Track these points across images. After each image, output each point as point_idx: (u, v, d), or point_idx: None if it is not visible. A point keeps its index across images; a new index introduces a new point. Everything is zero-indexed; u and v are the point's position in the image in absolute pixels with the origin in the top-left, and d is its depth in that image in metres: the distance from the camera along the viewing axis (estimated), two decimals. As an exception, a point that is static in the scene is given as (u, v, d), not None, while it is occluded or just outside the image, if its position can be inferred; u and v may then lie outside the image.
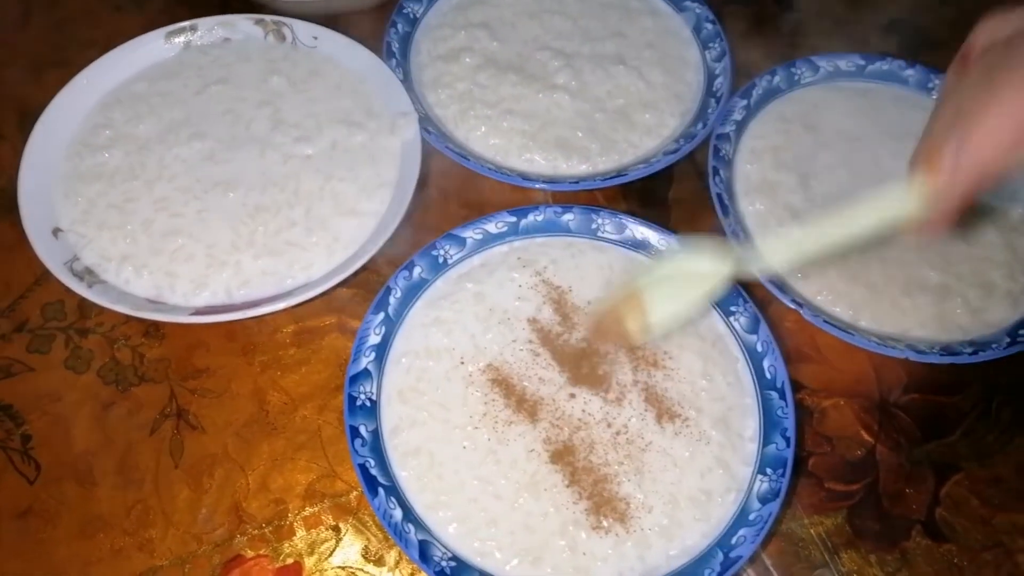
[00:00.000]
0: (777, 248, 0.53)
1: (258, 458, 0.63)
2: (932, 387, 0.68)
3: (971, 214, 0.72)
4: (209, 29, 0.75)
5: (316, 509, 0.61)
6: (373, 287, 0.70)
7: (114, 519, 0.60)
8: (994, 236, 0.71)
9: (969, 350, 0.64)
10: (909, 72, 0.80)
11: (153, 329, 0.68)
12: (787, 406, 0.60)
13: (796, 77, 0.78)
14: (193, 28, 0.75)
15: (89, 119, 0.70)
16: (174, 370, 0.66)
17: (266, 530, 0.60)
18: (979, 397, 0.68)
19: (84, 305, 0.68)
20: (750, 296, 0.65)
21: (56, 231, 0.65)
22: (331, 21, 0.77)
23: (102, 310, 0.61)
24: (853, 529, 0.62)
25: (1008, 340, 0.65)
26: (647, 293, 0.57)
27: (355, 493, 0.62)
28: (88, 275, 0.63)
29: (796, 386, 0.65)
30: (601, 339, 0.62)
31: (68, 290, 0.61)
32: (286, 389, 0.66)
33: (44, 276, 0.66)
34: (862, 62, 0.80)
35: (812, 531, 0.62)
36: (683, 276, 0.57)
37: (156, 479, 0.62)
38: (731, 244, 0.64)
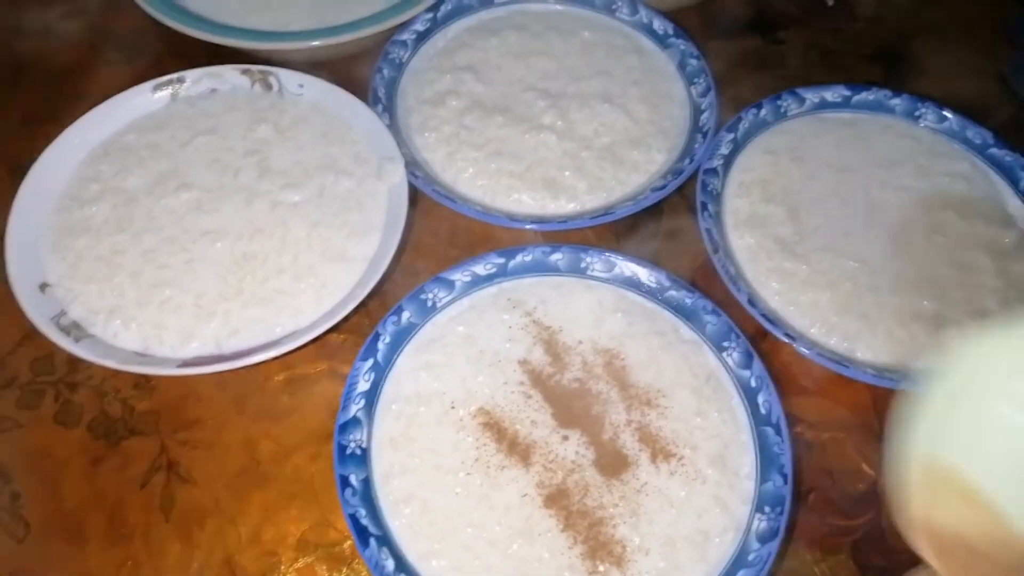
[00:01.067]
0: None
1: (250, 509, 0.62)
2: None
3: (963, 241, 0.72)
4: (196, 80, 0.76)
5: (310, 560, 0.60)
6: (364, 332, 0.70)
7: (104, 576, 0.59)
8: (986, 263, 0.71)
9: (967, 379, 0.63)
10: (895, 101, 0.80)
11: (143, 381, 0.67)
12: (783, 442, 0.59)
13: (782, 109, 0.79)
14: (180, 80, 0.76)
15: (78, 173, 0.71)
16: (164, 422, 0.66)
17: (258, 584, 0.59)
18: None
19: (73, 359, 0.67)
20: (742, 331, 0.64)
21: (43, 286, 0.64)
22: (317, 68, 0.78)
23: (92, 363, 0.61)
24: (857, 565, 0.61)
25: (1006, 368, 0.64)
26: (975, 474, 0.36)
27: (349, 543, 0.61)
28: (75, 329, 0.62)
29: (794, 420, 0.64)
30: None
31: (56, 344, 0.61)
32: (277, 438, 0.65)
33: (33, 331, 0.65)
34: (848, 92, 0.80)
35: (815, 568, 0.61)
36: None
37: (147, 534, 0.61)
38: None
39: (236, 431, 0.65)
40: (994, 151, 0.77)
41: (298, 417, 0.66)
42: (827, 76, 0.87)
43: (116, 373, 0.67)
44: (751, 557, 0.55)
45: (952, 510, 0.35)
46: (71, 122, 0.73)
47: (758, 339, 0.67)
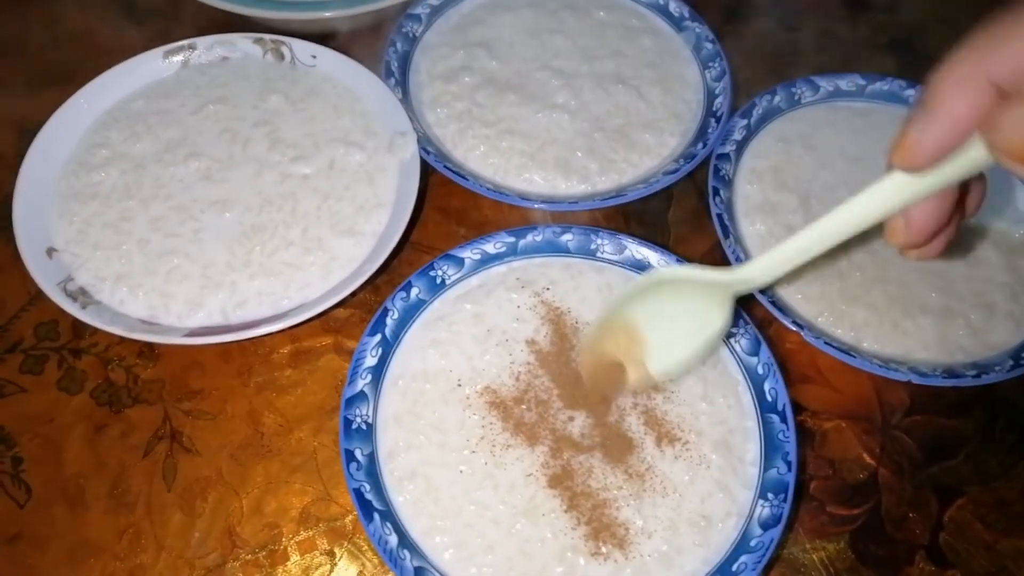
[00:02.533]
0: (768, 263, 0.48)
1: (252, 481, 0.62)
2: (935, 409, 0.68)
3: (972, 235, 0.72)
4: (208, 48, 0.75)
5: (311, 533, 0.60)
6: (370, 307, 0.69)
7: (105, 544, 0.59)
8: (995, 257, 0.71)
9: (972, 372, 0.63)
10: (909, 92, 0.79)
11: (147, 350, 0.67)
12: (788, 430, 0.59)
13: (796, 97, 0.78)
14: (192, 47, 0.75)
15: (86, 138, 0.70)
16: (168, 391, 0.66)
17: (259, 555, 0.59)
18: (982, 420, 0.67)
19: (78, 325, 0.67)
20: (751, 317, 0.64)
21: (51, 251, 0.64)
22: (330, 40, 0.77)
23: (96, 330, 0.61)
24: (856, 554, 0.61)
25: (1011, 363, 0.64)
26: (644, 329, 0.55)
27: (350, 517, 0.61)
28: (82, 295, 0.62)
29: (797, 408, 0.65)
30: (596, 387, 0.60)
31: (62, 310, 0.61)
32: (281, 411, 0.65)
33: (38, 296, 0.65)
34: (862, 82, 0.79)
35: (814, 556, 0.61)
36: (682, 305, 0.53)
37: (149, 503, 0.61)
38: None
39: (240, 403, 0.65)
40: (1006, 146, 0.77)
41: (302, 391, 0.66)
42: (840, 65, 0.86)
43: (120, 341, 0.67)
44: (753, 543, 0.55)
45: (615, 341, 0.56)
46: (78, 86, 0.72)
47: (764, 326, 0.67)
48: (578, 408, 0.60)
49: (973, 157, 0.38)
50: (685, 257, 0.67)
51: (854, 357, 0.63)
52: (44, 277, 0.61)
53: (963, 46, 0.36)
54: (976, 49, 0.35)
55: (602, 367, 0.58)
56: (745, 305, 0.65)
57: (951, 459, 0.66)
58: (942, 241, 0.46)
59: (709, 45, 0.81)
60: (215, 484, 0.62)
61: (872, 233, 0.69)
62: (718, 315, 0.53)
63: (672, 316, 0.54)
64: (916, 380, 0.62)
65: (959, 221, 0.46)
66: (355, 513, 0.59)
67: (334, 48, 0.76)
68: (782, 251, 0.47)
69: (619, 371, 0.57)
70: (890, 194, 0.42)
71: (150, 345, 0.67)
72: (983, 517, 0.63)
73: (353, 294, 0.63)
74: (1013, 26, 0.35)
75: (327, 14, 0.77)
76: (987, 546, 0.62)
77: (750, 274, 0.50)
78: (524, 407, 0.60)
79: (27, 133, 0.69)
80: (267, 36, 0.75)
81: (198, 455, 0.63)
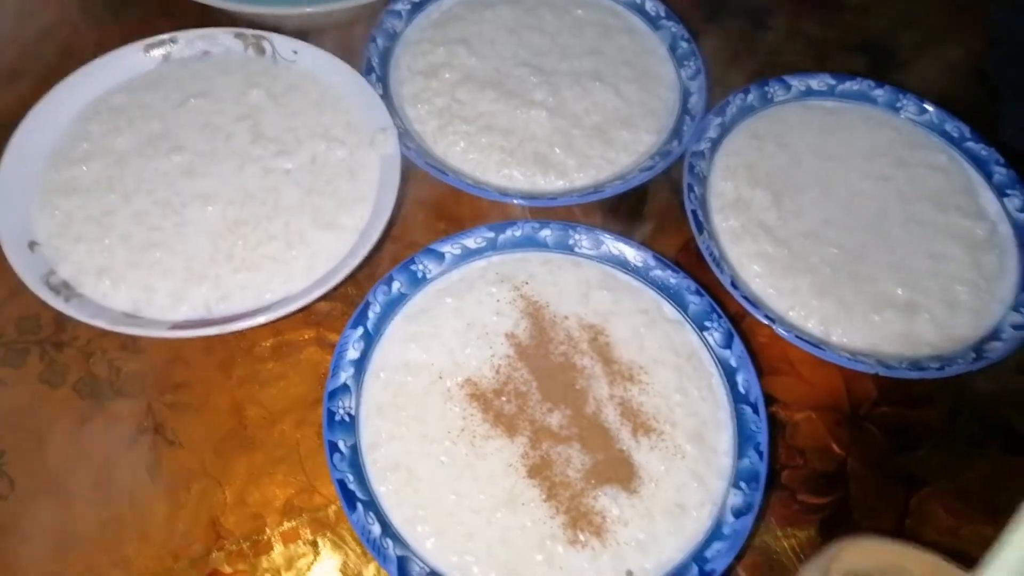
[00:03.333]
0: None
1: (236, 473, 0.63)
2: (901, 400, 0.70)
3: (937, 232, 0.74)
4: (189, 42, 0.75)
5: (294, 524, 0.61)
6: (352, 300, 0.70)
7: (89, 536, 0.60)
8: (960, 254, 0.73)
9: (936, 365, 0.65)
10: (878, 92, 0.81)
11: (130, 343, 0.67)
12: (760, 420, 0.61)
13: (769, 95, 0.80)
14: (173, 40, 0.75)
15: (67, 131, 0.70)
16: (151, 384, 0.66)
17: (243, 545, 0.60)
18: (946, 411, 0.70)
19: (60, 318, 0.67)
20: (724, 311, 0.66)
21: (32, 244, 0.64)
22: (309, 34, 0.78)
23: (78, 323, 0.61)
24: (825, 541, 0.63)
25: (974, 355, 0.66)
26: None
27: (333, 507, 0.62)
28: (65, 289, 0.62)
29: (768, 399, 0.66)
30: None
31: (43, 303, 0.61)
32: (264, 403, 0.66)
33: (18, 289, 0.65)
34: (833, 81, 0.81)
35: (785, 543, 0.63)
36: None
37: (132, 495, 0.62)
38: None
39: (223, 395, 0.66)
40: (970, 144, 0.79)
41: (285, 383, 0.67)
42: (813, 64, 0.89)
43: (103, 334, 0.67)
44: (726, 530, 0.57)
45: None
46: (55, 79, 0.72)
47: (737, 319, 0.69)
48: (556, 400, 0.61)
49: None
50: (660, 252, 0.69)
51: (824, 351, 0.65)
52: (27, 271, 0.61)
53: None
54: None
55: None
56: (718, 299, 0.66)
57: (916, 449, 0.68)
58: None
59: (684, 44, 0.82)
60: (199, 476, 0.63)
61: (843, 232, 0.72)
62: None
63: None
64: (883, 373, 0.65)
65: None
66: (338, 503, 0.60)
67: (313, 43, 0.76)
68: None
69: None
70: None
71: (132, 338, 0.67)
72: (947, 505, 0.66)
73: (335, 288, 0.64)
74: None
75: (307, 9, 0.78)
76: (950, 532, 0.65)
77: None
78: (504, 399, 0.61)
79: (4, 126, 0.69)
80: (248, 31, 0.76)
81: (181, 447, 0.64)
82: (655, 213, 0.78)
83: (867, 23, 0.97)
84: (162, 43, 0.75)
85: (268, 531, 0.61)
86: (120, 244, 0.65)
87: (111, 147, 0.70)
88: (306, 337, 0.69)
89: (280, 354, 0.68)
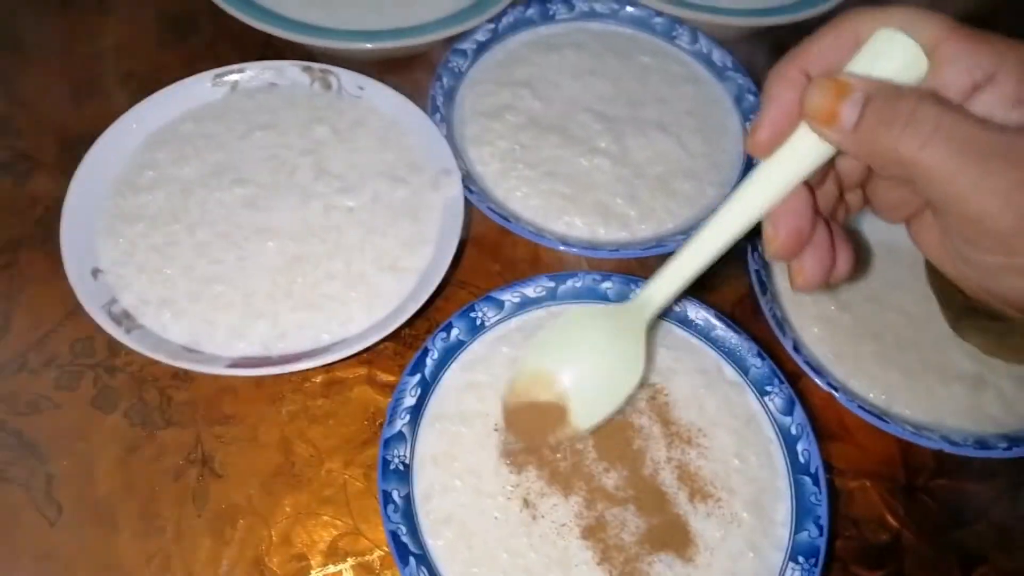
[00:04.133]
0: (664, 280, 0.55)
1: (282, 511, 0.62)
2: (960, 474, 0.68)
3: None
4: (257, 73, 0.76)
5: (339, 568, 0.61)
6: (405, 340, 0.70)
7: (134, 568, 0.59)
8: (1026, 326, 0.71)
9: (1004, 444, 0.64)
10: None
11: (182, 371, 0.67)
12: (820, 492, 0.59)
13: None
14: (240, 71, 0.75)
15: (134, 158, 0.70)
16: (201, 415, 0.66)
17: (288, 587, 0.60)
18: (1007, 486, 0.68)
19: (114, 342, 0.67)
20: (784, 374, 0.64)
21: (96, 271, 0.64)
22: (373, 67, 0.78)
23: (131, 349, 0.61)
24: (878, 616, 0.62)
25: (1041, 436, 0.65)
26: (563, 372, 0.57)
27: (378, 553, 0.61)
28: (126, 319, 0.62)
29: (824, 466, 0.65)
30: (520, 435, 0.60)
31: (98, 327, 0.61)
32: (313, 440, 0.65)
33: (75, 311, 0.65)
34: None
35: (837, 618, 0.62)
36: (598, 342, 0.57)
37: (178, 527, 0.61)
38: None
39: (272, 430, 0.65)
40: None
41: (334, 421, 0.66)
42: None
43: (155, 361, 0.67)
44: (782, 606, 0.56)
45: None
46: (121, 100, 0.72)
47: (794, 380, 0.68)
48: (613, 460, 0.60)
49: (806, 143, 0.44)
50: (716, 307, 0.67)
51: (887, 422, 0.63)
52: (90, 299, 0.61)
53: (788, 52, 0.46)
54: (795, 52, 0.45)
55: (527, 412, 0.58)
56: (778, 361, 0.65)
57: (975, 524, 0.66)
58: (817, 263, 0.49)
59: (751, 97, 0.81)
60: (245, 512, 0.62)
61: (908, 298, 0.71)
62: (633, 347, 0.57)
63: (590, 356, 0.58)
64: (948, 450, 0.63)
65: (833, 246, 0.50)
66: (383, 549, 0.60)
67: (375, 75, 0.76)
68: (675, 266, 0.54)
69: (546, 418, 0.58)
70: (753, 194, 0.48)
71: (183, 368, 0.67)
72: (1003, 583, 0.64)
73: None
74: (821, 32, 0.45)
75: (367, 45, 0.78)
76: (1007, 613, 0.63)
77: (650, 295, 0.55)
78: (559, 456, 0.60)
79: (68, 143, 0.70)
80: (315, 65, 0.76)
81: (228, 481, 0.63)
82: (714, 270, 0.76)
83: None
84: (230, 73, 0.75)
85: (311, 574, 0.60)
86: (182, 275, 0.65)
87: (176, 176, 0.70)
88: (358, 375, 0.69)
89: (331, 391, 0.68)
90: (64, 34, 0.88)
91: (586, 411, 0.58)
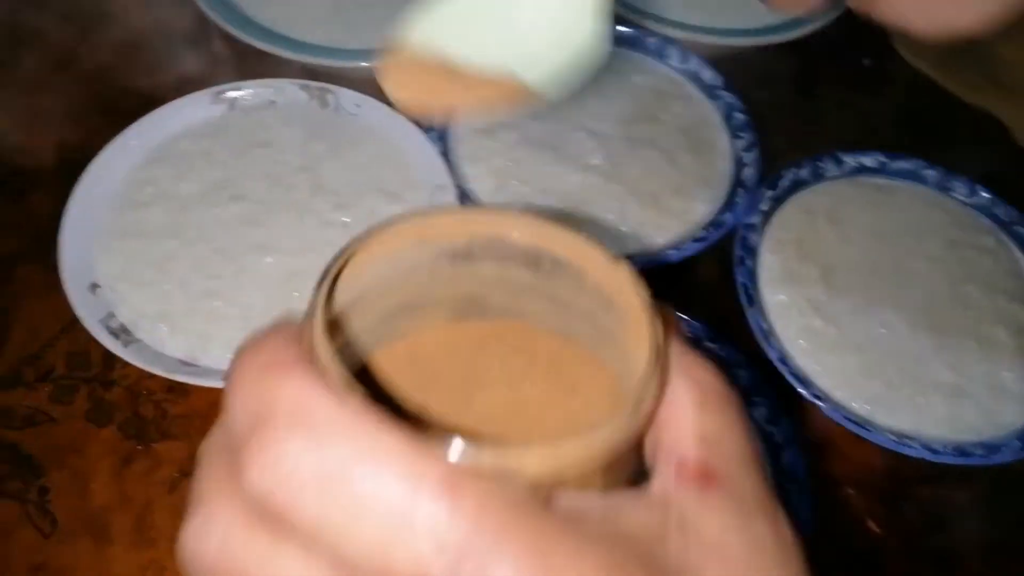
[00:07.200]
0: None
1: (276, 523, 0.63)
2: (940, 481, 0.69)
3: (984, 315, 0.74)
4: (257, 91, 0.77)
5: (333, 579, 0.61)
6: (399, 354, 0.71)
7: (128, 580, 0.60)
8: (1006, 338, 0.73)
9: (981, 452, 0.66)
10: (929, 172, 0.82)
11: (177, 385, 0.67)
12: (805, 500, 0.61)
13: (821, 171, 0.81)
14: (239, 89, 0.76)
15: (133, 174, 0.71)
16: (196, 428, 0.66)
17: (281, 598, 0.60)
18: (986, 492, 0.69)
19: (109, 356, 0.68)
20: (770, 387, 0.66)
21: (93, 286, 0.65)
22: (373, 86, 0.79)
23: (127, 362, 0.61)
24: (860, 623, 0.63)
25: (1019, 444, 0.66)
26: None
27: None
28: (124, 333, 0.63)
29: (808, 474, 0.66)
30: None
31: (94, 341, 0.61)
32: (305, 453, 0.66)
33: (71, 325, 0.66)
34: (884, 159, 0.82)
35: (821, 625, 0.62)
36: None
37: (172, 540, 0.60)
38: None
39: (266, 444, 0.66)
40: (1019, 228, 0.80)
41: (328, 434, 0.67)
42: (860, 136, 0.89)
43: (151, 375, 0.67)
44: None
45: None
46: (121, 116, 0.73)
47: (779, 391, 0.69)
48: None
49: None
50: (707, 322, 0.69)
51: (871, 431, 0.65)
52: (88, 313, 0.61)
53: None
54: None
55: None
56: (765, 373, 0.66)
57: (955, 531, 0.68)
58: None
59: (740, 116, 0.83)
60: (239, 524, 0.62)
61: (891, 313, 0.72)
62: None
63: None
64: (929, 457, 0.65)
65: None
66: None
67: (373, 95, 0.77)
68: None
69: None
70: None
71: (180, 381, 0.67)
72: (983, 587, 0.65)
73: (387, 344, 0.64)
74: None
75: (364, 64, 0.79)
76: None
77: None
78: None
79: (67, 159, 0.70)
80: (313, 83, 0.77)
81: (223, 494, 0.63)
82: (702, 283, 0.78)
83: (914, 96, 0.97)
84: (230, 90, 0.76)
85: (306, 586, 0.61)
86: (179, 290, 0.66)
87: (175, 193, 0.71)
88: (352, 388, 0.69)
89: (325, 404, 0.68)
90: (60, 50, 0.89)
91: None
